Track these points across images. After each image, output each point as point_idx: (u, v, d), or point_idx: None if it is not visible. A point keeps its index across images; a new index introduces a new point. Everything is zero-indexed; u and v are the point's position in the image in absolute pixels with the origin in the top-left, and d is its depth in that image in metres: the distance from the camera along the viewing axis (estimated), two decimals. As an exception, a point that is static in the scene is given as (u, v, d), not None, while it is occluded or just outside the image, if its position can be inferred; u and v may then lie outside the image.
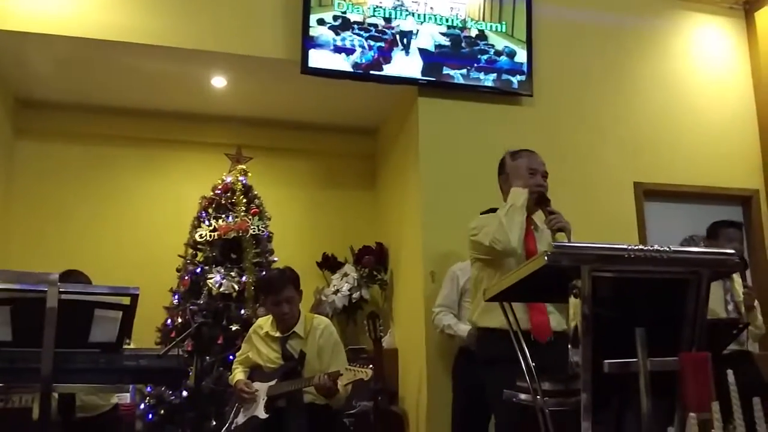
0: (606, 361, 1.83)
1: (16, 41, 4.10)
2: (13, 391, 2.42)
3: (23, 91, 4.93)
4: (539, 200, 2.69)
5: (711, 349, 1.97)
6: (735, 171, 5.05)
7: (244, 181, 4.82)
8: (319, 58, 4.32)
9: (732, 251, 1.92)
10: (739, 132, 5.14)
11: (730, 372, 1.51)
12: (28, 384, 2.29)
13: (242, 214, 4.63)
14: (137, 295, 2.51)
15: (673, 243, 4.20)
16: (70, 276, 3.49)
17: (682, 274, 1.90)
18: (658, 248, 1.86)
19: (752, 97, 5.21)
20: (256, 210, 4.72)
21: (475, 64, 4.56)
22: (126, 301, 2.48)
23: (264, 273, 4.40)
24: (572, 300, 1.90)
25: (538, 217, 2.79)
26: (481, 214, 3.86)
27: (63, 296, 2.17)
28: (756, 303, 3.65)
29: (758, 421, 1.45)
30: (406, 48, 4.46)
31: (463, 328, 3.58)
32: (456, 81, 4.53)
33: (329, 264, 5.24)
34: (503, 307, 2.16)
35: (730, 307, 3.62)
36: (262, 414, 3.20)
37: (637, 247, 1.83)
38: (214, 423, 3.98)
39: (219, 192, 4.75)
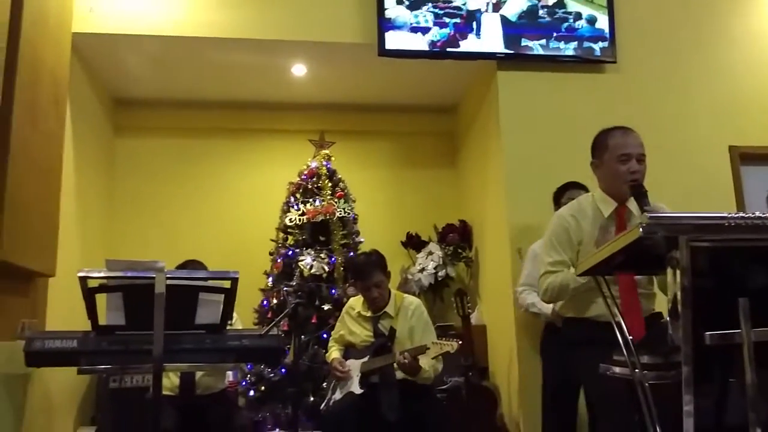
0: (707, 332, 1.79)
1: (110, 43, 4.34)
2: (128, 371, 2.55)
3: (119, 90, 5.21)
4: (633, 191, 2.47)
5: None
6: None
7: (328, 166, 4.94)
8: (395, 40, 4.35)
9: (842, 216, 1.83)
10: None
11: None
12: (141, 365, 2.48)
13: (328, 197, 4.76)
14: (237, 278, 2.64)
15: (773, 208, 4.03)
16: (189, 265, 3.70)
17: (787, 241, 1.82)
18: (760, 215, 1.79)
19: None
20: (341, 193, 4.83)
21: (555, 33, 4.46)
22: (227, 284, 2.62)
23: (352, 254, 4.52)
24: (669, 272, 1.87)
25: (633, 204, 2.61)
26: (556, 190, 3.81)
27: (169, 282, 2.32)
28: None
29: None
30: (479, 25, 4.41)
31: (548, 306, 3.55)
32: (535, 52, 4.44)
33: (414, 243, 5.30)
34: (597, 281, 2.14)
35: None
36: (357, 389, 3.32)
37: (737, 215, 1.77)
38: (312, 398, 4.14)
39: (305, 177, 4.89)
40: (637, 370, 1.97)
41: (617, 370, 2.15)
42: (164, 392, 3.34)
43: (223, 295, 2.63)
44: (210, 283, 2.63)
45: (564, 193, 3.75)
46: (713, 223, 1.76)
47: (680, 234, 1.74)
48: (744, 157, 4.59)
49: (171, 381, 3.43)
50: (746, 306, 1.78)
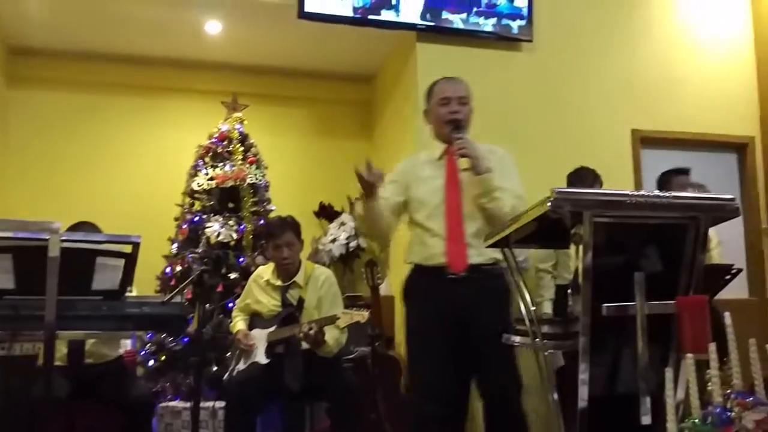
0: (604, 304, 1.87)
1: (6, -14, 4.00)
2: (18, 338, 2.40)
3: (15, 37, 4.83)
4: (452, 124, 2.63)
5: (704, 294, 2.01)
6: (731, 118, 5.03)
7: (240, 130, 4.79)
8: (316, 2, 4.24)
9: (731, 197, 1.94)
10: (736, 80, 5.10)
11: (727, 314, 1.55)
12: (33, 331, 2.34)
13: (239, 162, 4.62)
14: (138, 243, 2.52)
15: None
16: (81, 227, 3.50)
17: (682, 219, 1.92)
18: (659, 194, 1.88)
19: (751, 44, 5.15)
20: (253, 159, 4.70)
21: (475, 9, 4.48)
22: (127, 249, 2.50)
23: (263, 222, 4.42)
24: (573, 246, 1.93)
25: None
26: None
27: (65, 245, 2.18)
28: (713, 243, 3.69)
29: (753, 362, 1.50)
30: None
31: None
32: (455, 26, 4.46)
33: (326, 213, 5.26)
34: (504, 253, 2.19)
35: None
36: (263, 359, 3.27)
37: (638, 193, 1.85)
38: (215, 368, 4.05)
39: (215, 140, 4.72)
40: (537, 340, 2.03)
41: (518, 339, 2.22)
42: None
43: (123, 260, 2.51)
44: (109, 247, 2.52)
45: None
46: (616, 200, 1.83)
47: (585, 209, 1.79)
48: (644, 141, 4.82)
49: (59, 350, 3.25)
50: (641, 280, 1.86)
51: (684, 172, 3.96)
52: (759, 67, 5.10)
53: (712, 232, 3.69)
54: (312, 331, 3.08)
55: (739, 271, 3.30)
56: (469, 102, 2.71)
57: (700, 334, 1.71)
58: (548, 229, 1.98)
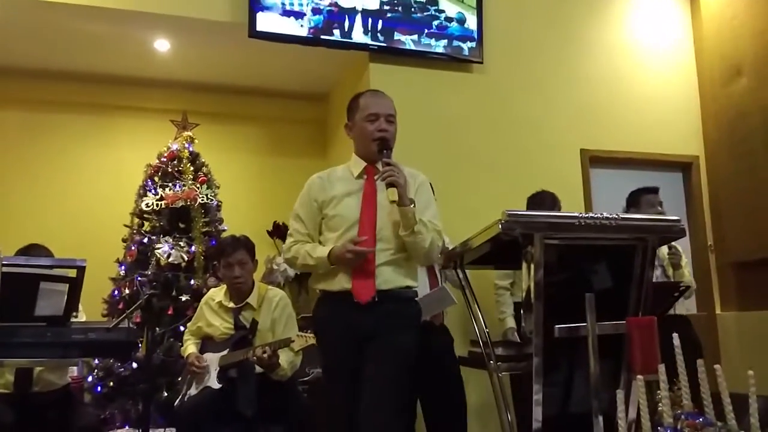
0: (556, 326, 1.89)
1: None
2: None
3: (-46, 53, 4.66)
4: (380, 148, 2.46)
5: (652, 311, 2.05)
6: (676, 138, 5.19)
7: (190, 149, 4.70)
8: (267, 22, 4.21)
9: (677, 218, 1.99)
10: (680, 100, 5.27)
11: (675, 336, 1.58)
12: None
13: (190, 182, 4.53)
14: (84, 267, 2.45)
15: (616, 209, 4.34)
16: (32, 249, 3.40)
17: (630, 240, 1.96)
18: (608, 216, 1.91)
19: (694, 65, 5.34)
20: (204, 178, 4.62)
21: (426, 30, 4.53)
22: (72, 273, 2.43)
23: (214, 243, 4.34)
24: (524, 266, 1.95)
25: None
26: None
27: (5, 269, 2.12)
28: (683, 261, 3.80)
29: (702, 382, 1.52)
30: (353, 15, 4.38)
31: None
32: (407, 47, 4.49)
33: (281, 232, 5.18)
34: (457, 273, 2.20)
35: (658, 272, 3.74)
36: (215, 384, 3.18)
37: (587, 215, 1.88)
38: (166, 394, 3.94)
39: (165, 160, 4.62)
40: (491, 362, 2.04)
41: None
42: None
43: (67, 285, 2.44)
44: (54, 271, 2.44)
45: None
46: (566, 222, 1.86)
47: (535, 231, 1.82)
48: (593, 160, 4.93)
49: (4, 377, 3.13)
50: (592, 301, 1.89)
51: (653, 190, 4.04)
52: (701, 88, 5.28)
53: (681, 250, 3.82)
54: (265, 355, 3.01)
55: (687, 288, 3.40)
56: (395, 121, 2.55)
57: (650, 354, 1.73)
58: (502, 250, 2.00)
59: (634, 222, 1.97)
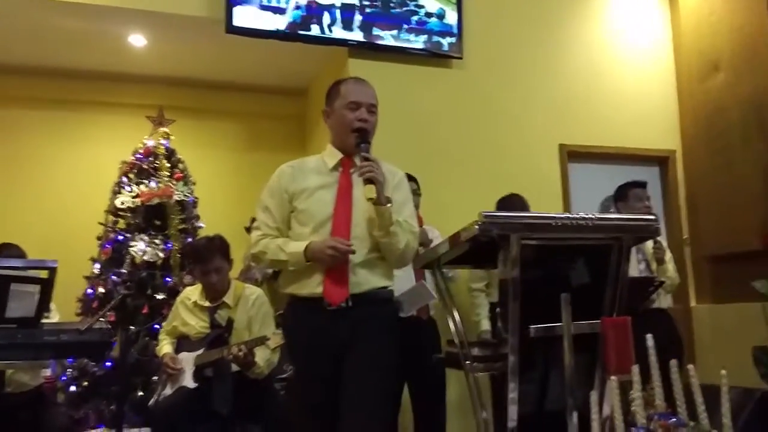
0: (532, 326, 1.88)
1: None
2: None
3: None
4: (358, 141, 2.29)
5: (628, 307, 2.06)
6: (653, 133, 5.22)
7: (166, 145, 4.64)
8: (244, 17, 4.16)
9: (653, 217, 2.00)
10: (658, 95, 5.30)
11: (649, 336, 1.58)
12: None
13: (166, 179, 4.47)
14: (55, 268, 2.43)
15: (594, 203, 4.39)
16: (4, 249, 3.36)
17: (606, 240, 1.96)
18: (584, 216, 1.91)
19: (672, 61, 5.37)
20: (180, 175, 4.57)
21: (406, 26, 4.50)
22: (44, 274, 2.41)
23: (191, 240, 4.29)
24: (500, 267, 1.94)
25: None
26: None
27: None
28: (667, 256, 3.83)
29: (674, 383, 1.53)
30: (332, 10, 4.34)
31: None
32: (386, 42, 4.46)
33: (258, 229, 5.14)
34: (435, 274, 2.19)
35: (642, 266, 3.77)
36: (190, 384, 3.16)
37: (563, 215, 1.88)
38: (141, 393, 3.90)
39: (140, 156, 4.56)
40: (467, 362, 2.03)
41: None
42: (-32, 391, 3.04)
43: (39, 286, 2.43)
44: (25, 272, 2.43)
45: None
46: (542, 223, 1.86)
47: (512, 232, 1.81)
48: (571, 155, 4.95)
49: None
50: (568, 301, 1.89)
51: (641, 185, 4.05)
52: (679, 83, 5.32)
53: (666, 246, 3.86)
54: (241, 353, 2.99)
55: (662, 283, 3.43)
56: (377, 112, 2.38)
57: (624, 354, 1.74)
58: (480, 250, 1.99)
59: (609, 222, 1.98)
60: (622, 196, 4.08)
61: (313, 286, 2.20)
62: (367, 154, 2.24)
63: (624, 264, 2.00)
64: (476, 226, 1.79)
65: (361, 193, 2.21)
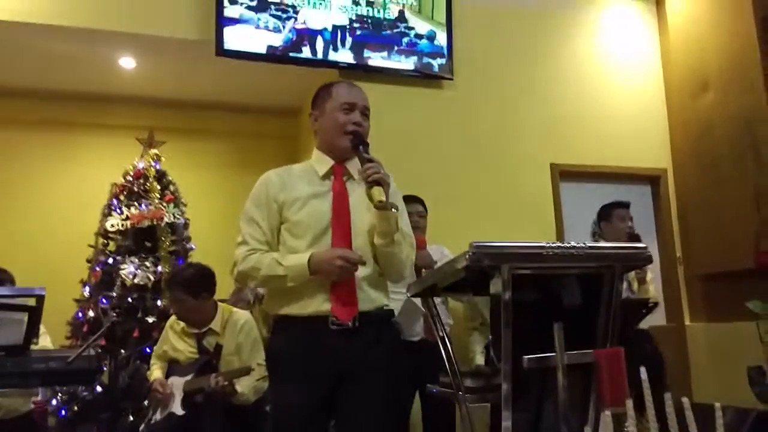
0: (525, 357, 1.86)
1: None
2: None
3: None
4: (355, 143, 2.11)
5: (621, 329, 2.05)
6: (644, 151, 5.24)
7: (157, 167, 4.63)
8: (234, 40, 4.16)
9: (644, 246, 1.99)
10: (648, 114, 5.32)
11: (642, 369, 1.56)
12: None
13: (156, 201, 4.46)
14: (43, 296, 2.41)
15: (586, 222, 4.37)
16: None
17: (597, 268, 1.95)
18: (575, 245, 1.90)
19: (661, 80, 5.40)
20: (171, 197, 4.55)
21: (396, 47, 4.52)
22: (31, 302, 2.37)
23: (181, 262, 4.26)
24: (492, 296, 1.92)
25: (353, 164, 2.17)
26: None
27: None
28: (648, 276, 3.82)
29: (669, 416, 1.51)
30: (322, 32, 4.35)
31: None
32: (377, 64, 4.47)
33: (250, 250, 5.12)
34: (428, 303, 2.16)
35: (623, 286, 3.75)
36: (179, 410, 3.12)
37: (555, 245, 1.86)
38: (132, 419, 3.85)
39: (131, 178, 4.55)
40: (460, 393, 2.01)
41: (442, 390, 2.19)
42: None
43: (26, 314, 2.38)
44: (12, 299, 2.40)
45: None
46: (533, 252, 1.84)
47: (503, 263, 1.79)
48: (563, 174, 4.95)
49: None
50: (561, 331, 1.87)
51: (624, 205, 4.07)
52: (669, 101, 5.35)
53: (647, 267, 3.84)
54: (219, 386, 2.94)
55: (656, 305, 3.41)
56: (369, 117, 2.20)
57: (618, 387, 1.72)
58: (472, 278, 1.97)
59: (601, 250, 1.96)
60: (606, 216, 4.10)
61: (318, 303, 1.98)
62: (369, 155, 2.04)
63: (617, 292, 1.98)
64: (466, 257, 1.77)
65: (359, 201, 2.07)
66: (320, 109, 2.18)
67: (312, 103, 2.24)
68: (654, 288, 3.90)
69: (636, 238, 4.27)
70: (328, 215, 2.06)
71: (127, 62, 4.56)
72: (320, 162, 2.17)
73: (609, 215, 4.09)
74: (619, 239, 4.01)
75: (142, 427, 3.30)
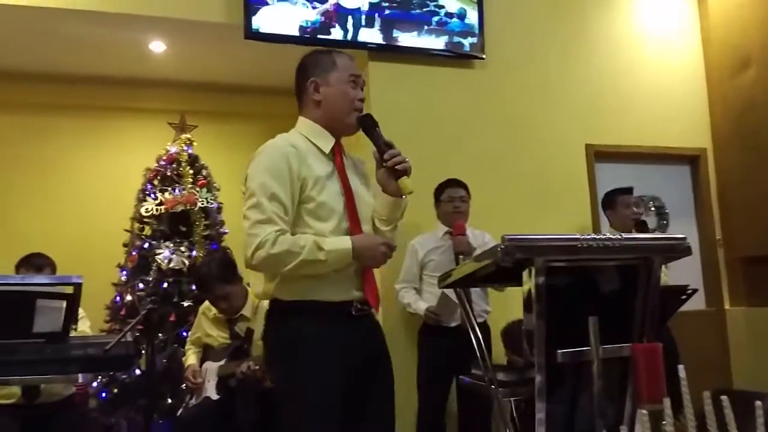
0: (559, 351, 1.83)
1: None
2: None
3: (-51, 57, 4.61)
4: (369, 122, 1.99)
5: (660, 316, 1.99)
6: (683, 131, 5.07)
7: (189, 151, 4.66)
8: (263, 22, 4.12)
9: (683, 236, 1.92)
10: (687, 92, 5.15)
11: (681, 367, 1.52)
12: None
13: (189, 186, 4.49)
14: (80, 283, 2.45)
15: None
16: (32, 259, 3.41)
17: (634, 260, 1.89)
18: (610, 236, 1.84)
19: (701, 56, 5.22)
20: (204, 181, 4.58)
21: (426, 26, 4.43)
22: (69, 289, 2.38)
23: (194, 265, 4.22)
24: (525, 289, 1.89)
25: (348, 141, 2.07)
26: (437, 187, 3.78)
27: (1, 288, 2.18)
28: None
29: (708, 414, 1.46)
30: (352, 13, 4.29)
31: (422, 306, 3.56)
32: (406, 44, 4.40)
33: (282, 232, 5.14)
34: (458, 294, 2.14)
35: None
36: (213, 395, 3.17)
37: (589, 236, 1.81)
38: (170, 401, 3.93)
39: (164, 163, 4.59)
40: (493, 386, 1.99)
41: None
42: (1, 401, 3.11)
43: (64, 302, 2.40)
44: (50, 288, 2.42)
45: (444, 190, 3.74)
46: (567, 245, 1.79)
47: (536, 255, 1.75)
48: (598, 155, 4.83)
49: (9, 390, 3.13)
50: (596, 325, 1.83)
51: (627, 191, 4.01)
52: (709, 80, 5.16)
53: None
54: (250, 370, 2.96)
55: (695, 291, 3.33)
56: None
57: (655, 383, 1.68)
58: (504, 269, 1.94)
59: (637, 242, 1.91)
60: (610, 204, 4.02)
61: (347, 289, 1.89)
62: (386, 139, 1.95)
63: (654, 285, 1.93)
64: (499, 250, 1.73)
65: (357, 184, 2.00)
66: (324, 78, 1.99)
67: (306, 70, 2.05)
68: (664, 272, 3.80)
69: (643, 225, 4.19)
70: (342, 197, 1.93)
71: (157, 46, 4.57)
72: (322, 137, 1.99)
73: (613, 203, 4.02)
74: (625, 227, 3.93)
75: (180, 409, 3.36)
